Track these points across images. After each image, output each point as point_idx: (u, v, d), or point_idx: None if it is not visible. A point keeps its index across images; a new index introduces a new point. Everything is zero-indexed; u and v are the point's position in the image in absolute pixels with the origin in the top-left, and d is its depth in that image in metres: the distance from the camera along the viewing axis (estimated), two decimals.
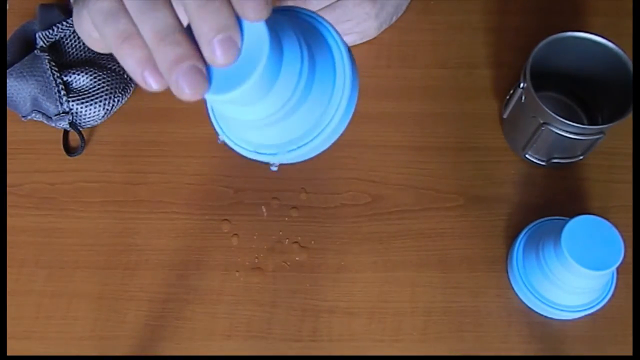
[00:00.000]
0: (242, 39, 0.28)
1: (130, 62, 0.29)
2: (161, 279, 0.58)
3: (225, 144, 0.34)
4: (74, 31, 0.65)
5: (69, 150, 0.64)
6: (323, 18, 0.33)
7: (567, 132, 0.54)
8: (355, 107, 0.34)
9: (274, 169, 0.35)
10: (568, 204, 0.60)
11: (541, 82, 0.55)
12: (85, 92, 0.62)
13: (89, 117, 0.63)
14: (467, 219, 0.60)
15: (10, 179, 0.63)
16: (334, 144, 0.35)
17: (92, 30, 0.32)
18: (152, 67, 0.28)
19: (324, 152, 0.35)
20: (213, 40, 0.27)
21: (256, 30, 0.28)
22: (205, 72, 0.28)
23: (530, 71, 0.54)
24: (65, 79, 0.62)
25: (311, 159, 0.37)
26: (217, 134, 0.35)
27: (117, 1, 0.29)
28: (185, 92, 0.28)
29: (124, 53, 0.29)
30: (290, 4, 0.46)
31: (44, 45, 0.63)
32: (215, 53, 0.27)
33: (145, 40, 0.28)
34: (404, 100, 0.65)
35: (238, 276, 0.58)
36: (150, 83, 0.29)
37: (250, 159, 0.34)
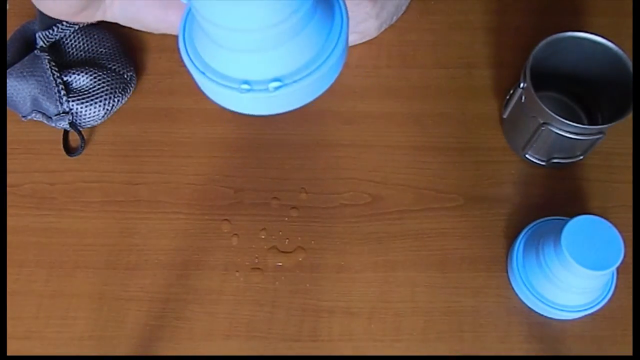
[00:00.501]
0: None
1: None
2: (161, 279, 0.58)
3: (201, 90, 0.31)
4: (74, 31, 0.65)
5: (69, 150, 0.64)
6: None
7: (567, 132, 0.54)
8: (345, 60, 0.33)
9: None
10: (568, 204, 0.60)
11: (541, 82, 0.55)
12: (85, 92, 0.62)
13: (89, 117, 0.63)
14: (467, 219, 0.60)
15: (10, 179, 0.63)
16: (319, 95, 0.33)
17: None
18: None
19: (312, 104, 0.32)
20: None
21: None
22: None
23: (530, 71, 0.54)
24: (65, 79, 0.62)
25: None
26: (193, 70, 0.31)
27: None
28: None
29: None
30: None
31: (44, 45, 0.63)
32: None
33: None
34: (404, 100, 0.65)
35: (238, 276, 0.58)
36: None
37: (228, 109, 0.32)
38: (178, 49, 0.32)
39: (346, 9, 0.32)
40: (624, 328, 0.56)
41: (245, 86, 0.30)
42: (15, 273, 0.59)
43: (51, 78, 0.61)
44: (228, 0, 0.27)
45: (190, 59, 0.32)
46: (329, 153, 0.63)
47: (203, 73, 0.31)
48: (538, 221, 0.57)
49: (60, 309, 0.57)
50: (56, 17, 0.35)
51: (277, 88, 0.30)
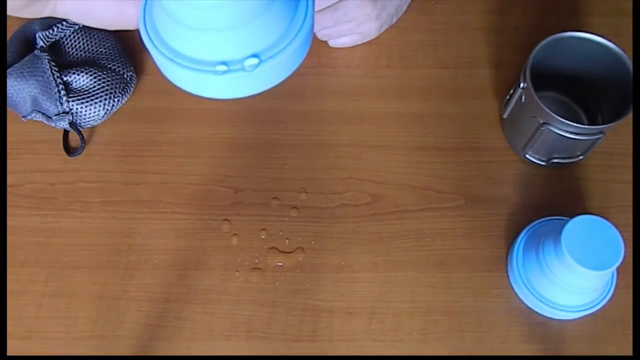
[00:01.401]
0: None
1: None
2: (161, 279, 0.58)
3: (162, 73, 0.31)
4: (74, 31, 0.65)
5: (69, 150, 0.64)
6: None
7: (567, 132, 0.54)
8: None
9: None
10: (568, 204, 0.60)
11: (541, 82, 0.55)
12: (85, 92, 0.62)
13: (89, 117, 0.63)
14: (467, 219, 0.60)
15: (10, 179, 0.63)
16: (291, 73, 0.32)
17: None
18: None
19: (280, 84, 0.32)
20: None
21: None
22: None
23: (530, 71, 0.54)
24: (65, 79, 0.62)
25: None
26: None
27: None
28: None
29: None
30: None
31: (44, 45, 0.63)
32: None
33: None
34: (404, 100, 0.65)
35: (238, 276, 0.58)
36: None
37: (188, 91, 0.31)
38: (141, 41, 0.32)
39: None
40: (624, 328, 0.56)
41: (222, 67, 0.30)
42: (15, 273, 0.59)
43: (51, 78, 0.61)
44: None
45: (158, 49, 0.31)
46: (329, 153, 0.63)
47: (174, 61, 0.31)
48: (538, 221, 0.57)
49: (60, 309, 0.57)
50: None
51: (254, 66, 0.29)
